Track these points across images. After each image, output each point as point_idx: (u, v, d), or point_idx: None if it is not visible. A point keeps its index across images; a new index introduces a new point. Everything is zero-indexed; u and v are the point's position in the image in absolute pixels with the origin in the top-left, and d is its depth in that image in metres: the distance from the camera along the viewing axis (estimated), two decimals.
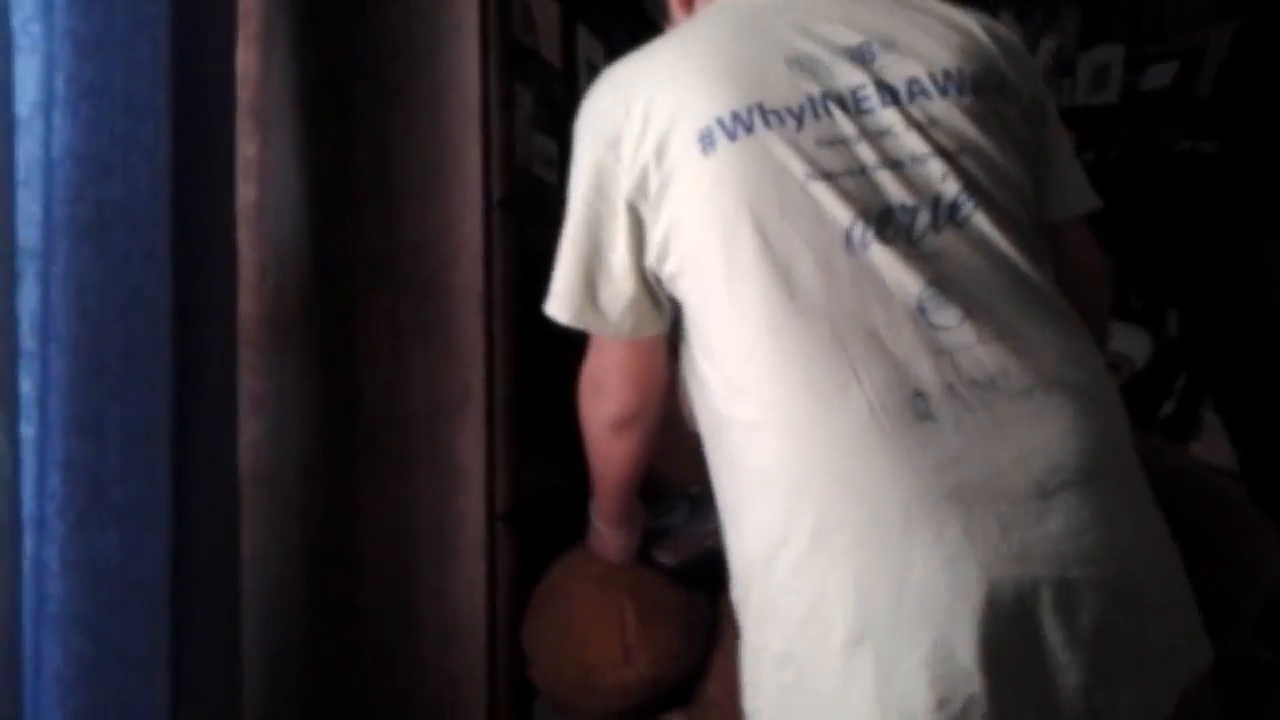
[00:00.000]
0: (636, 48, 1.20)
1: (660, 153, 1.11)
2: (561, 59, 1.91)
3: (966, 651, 0.97)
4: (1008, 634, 0.98)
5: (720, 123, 1.08)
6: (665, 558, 1.53)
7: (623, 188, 1.13)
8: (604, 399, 1.26)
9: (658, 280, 1.16)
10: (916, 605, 0.98)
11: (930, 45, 1.15)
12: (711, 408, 1.12)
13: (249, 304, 1.56)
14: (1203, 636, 1.11)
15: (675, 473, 1.64)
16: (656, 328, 1.19)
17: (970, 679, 0.97)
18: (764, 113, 1.09)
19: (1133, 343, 2.32)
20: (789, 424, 1.04)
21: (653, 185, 1.11)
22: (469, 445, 1.52)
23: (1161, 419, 2.18)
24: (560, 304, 1.18)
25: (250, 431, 1.57)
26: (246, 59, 1.59)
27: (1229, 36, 2.73)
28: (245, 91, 1.58)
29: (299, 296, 1.59)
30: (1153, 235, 2.78)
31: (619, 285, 1.16)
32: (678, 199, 1.10)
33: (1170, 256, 2.76)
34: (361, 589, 1.57)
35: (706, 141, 1.08)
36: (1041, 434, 1.03)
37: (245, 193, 1.57)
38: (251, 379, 1.57)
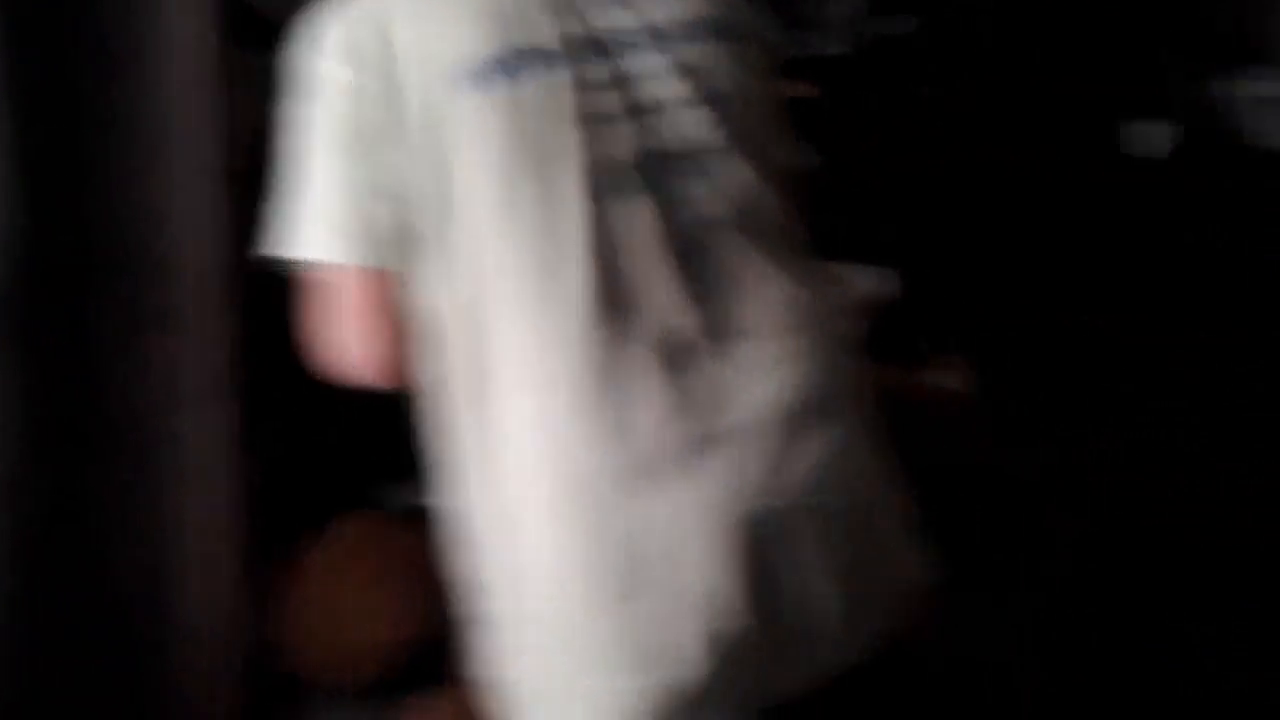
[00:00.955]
0: None
1: (425, 93, 1.06)
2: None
3: (733, 590, 1.01)
4: (769, 568, 1.03)
5: (487, 64, 1.06)
6: (411, 496, 1.50)
7: (384, 121, 1.07)
8: (348, 351, 1.14)
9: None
10: (682, 551, 1.01)
11: None
12: (454, 365, 1.10)
13: None
14: (927, 555, 1.20)
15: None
16: (404, 262, 1.12)
17: (738, 616, 1.02)
18: (530, 54, 1.07)
19: (879, 282, 2.44)
20: (550, 378, 1.04)
21: (415, 124, 1.06)
22: (212, 436, 1.45)
23: (905, 350, 2.31)
24: (340, 237, 1.08)
25: None
26: None
27: None
28: None
29: (15, 291, 1.46)
30: (892, 180, 2.91)
31: (390, 213, 1.08)
32: (443, 142, 1.06)
33: (910, 200, 2.91)
34: (105, 598, 1.47)
35: (475, 82, 1.05)
36: (783, 376, 1.08)
37: None
38: None
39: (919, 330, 2.37)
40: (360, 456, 1.56)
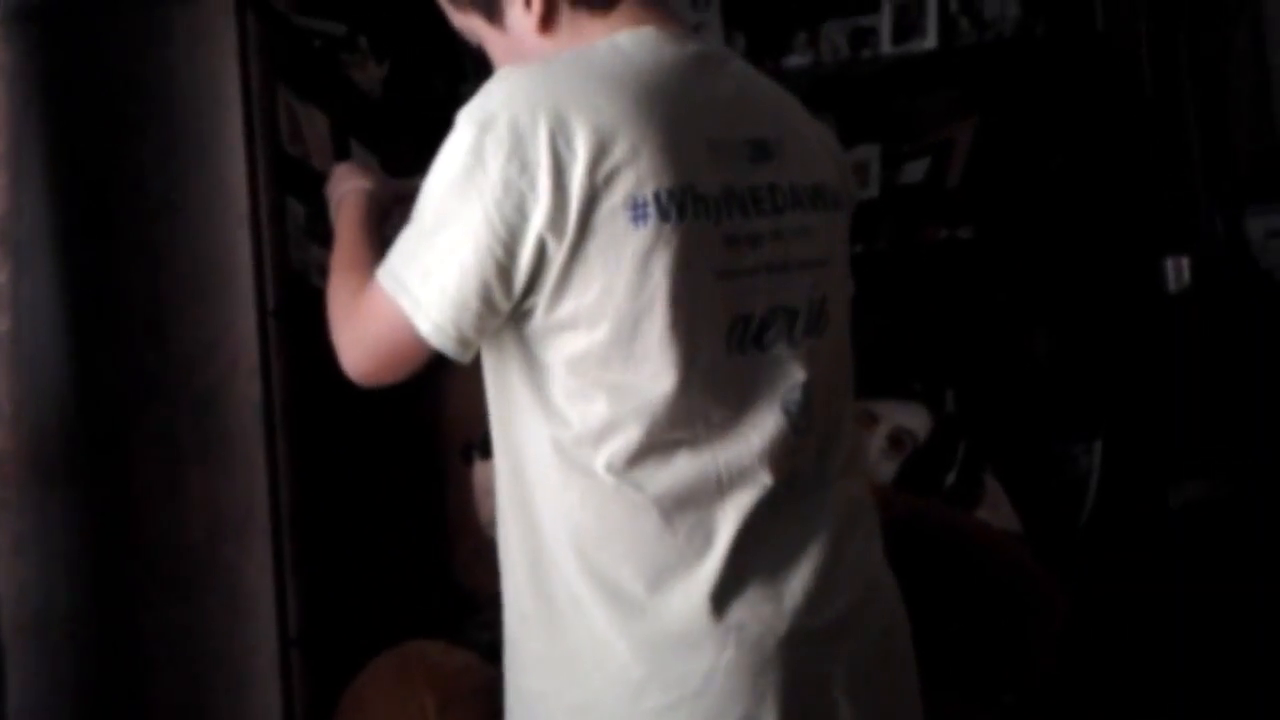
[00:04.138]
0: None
1: (588, 205, 1.04)
2: None
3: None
4: (805, 706, 1.05)
5: (656, 197, 1.05)
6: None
7: (536, 220, 1.03)
8: (356, 371, 1.15)
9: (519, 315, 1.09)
10: (726, 681, 1.03)
11: (807, 155, 1.19)
12: (564, 450, 1.09)
13: (4, 440, 1.46)
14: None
15: (482, 582, 1.61)
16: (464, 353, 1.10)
17: None
18: (694, 198, 1.07)
19: (914, 418, 2.44)
20: (642, 484, 1.06)
21: (571, 230, 1.03)
22: (255, 568, 1.44)
23: (946, 487, 2.29)
24: (452, 320, 1.06)
25: (13, 576, 1.45)
26: None
27: (971, 131, 2.95)
28: None
29: (62, 426, 1.49)
30: (924, 320, 2.94)
31: (502, 312, 1.08)
32: (592, 256, 1.05)
33: (942, 339, 2.92)
34: None
35: (639, 213, 1.04)
36: (834, 522, 1.12)
37: None
38: (11, 518, 1.46)
39: (949, 463, 2.37)
40: (410, 588, 1.55)
